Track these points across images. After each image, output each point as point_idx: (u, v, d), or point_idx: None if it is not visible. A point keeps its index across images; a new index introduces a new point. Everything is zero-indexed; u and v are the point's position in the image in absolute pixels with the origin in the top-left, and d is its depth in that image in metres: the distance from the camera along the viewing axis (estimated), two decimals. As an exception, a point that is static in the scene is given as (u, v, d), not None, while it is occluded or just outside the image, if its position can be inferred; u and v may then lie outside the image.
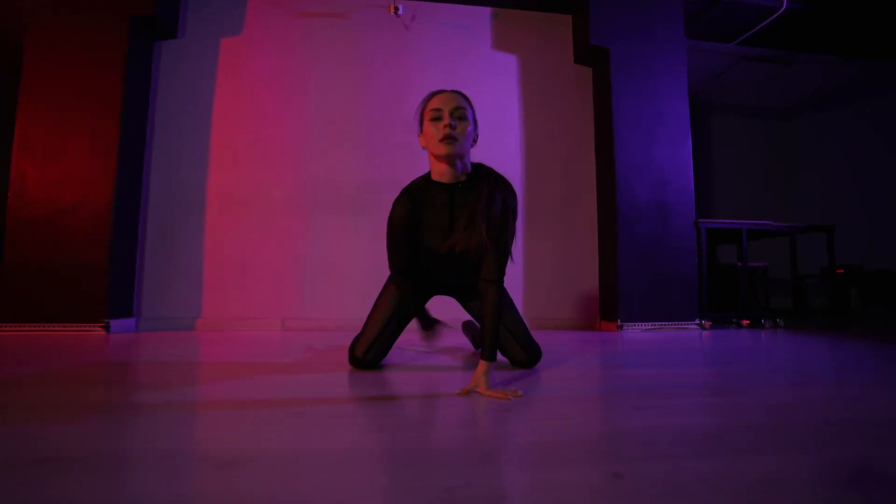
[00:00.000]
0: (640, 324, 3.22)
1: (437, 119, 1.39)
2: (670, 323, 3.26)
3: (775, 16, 3.62)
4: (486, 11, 3.58)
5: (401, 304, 1.59)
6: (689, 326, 3.27)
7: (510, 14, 3.60)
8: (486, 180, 1.42)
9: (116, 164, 2.89)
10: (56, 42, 2.92)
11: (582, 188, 3.57)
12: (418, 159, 3.36)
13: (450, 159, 1.41)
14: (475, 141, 1.48)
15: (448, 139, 1.36)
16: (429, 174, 1.50)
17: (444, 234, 1.45)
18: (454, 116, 1.39)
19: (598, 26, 3.36)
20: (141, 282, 3.13)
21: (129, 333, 2.88)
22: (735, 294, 3.58)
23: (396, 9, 3.37)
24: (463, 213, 1.41)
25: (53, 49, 2.92)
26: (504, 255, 1.40)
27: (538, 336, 2.97)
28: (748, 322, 3.40)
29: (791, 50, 4.22)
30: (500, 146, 3.50)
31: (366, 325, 1.63)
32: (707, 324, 3.29)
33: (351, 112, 3.39)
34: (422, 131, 1.44)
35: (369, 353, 1.59)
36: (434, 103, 1.41)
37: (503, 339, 1.63)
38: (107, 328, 2.81)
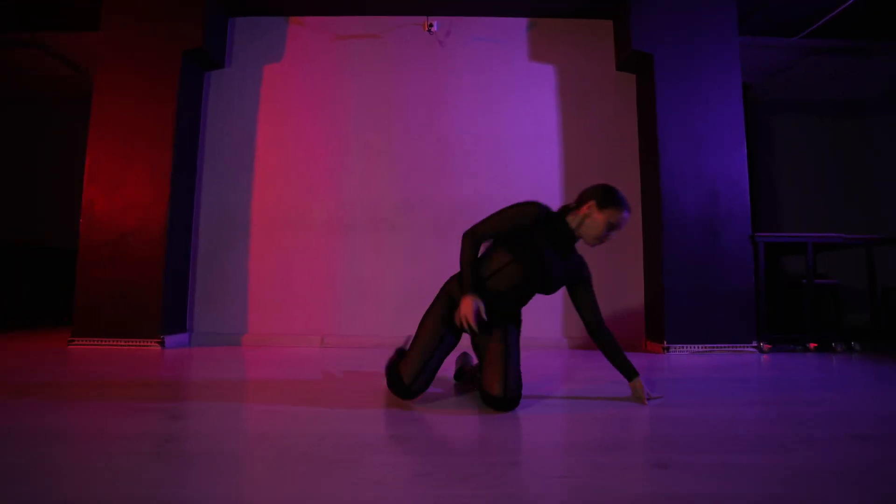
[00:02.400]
0: (688, 346, 3.01)
1: (610, 229, 1.58)
2: (723, 346, 3.02)
3: (844, 6, 3.28)
4: (522, 23, 3.50)
5: (448, 327, 1.64)
6: (746, 350, 3.02)
7: (547, 23, 3.50)
8: (577, 259, 1.71)
9: (170, 190, 3.10)
10: (118, 78, 3.18)
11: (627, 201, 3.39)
12: (451, 177, 3.35)
13: (581, 241, 1.75)
14: None
15: (597, 242, 1.62)
16: (565, 217, 1.64)
17: (537, 262, 1.63)
18: (615, 233, 1.62)
19: (641, 30, 3.20)
20: (193, 299, 3.33)
21: (183, 348, 3.07)
22: (801, 313, 3.27)
23: (430, 25, 3.38)
24: (561, 264, 1.66)
25: (117, 85, 3.18)
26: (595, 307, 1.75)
27: (576, 357, 2.86)
28: (816, 345, 3.08)
29: (868, 39, 3.81)
30: (538, 158, 3.41)
31: (412, 349, 1.64)
32: (766, 347, 3.02)
33: (386, 131, 3.43)
34: (600, 211, 1.57)
35: (417, 381, 1.59)
36: (619, 219, 1.58)
37: (487, 367, 1.59)
38: (162, 343, 3.01)
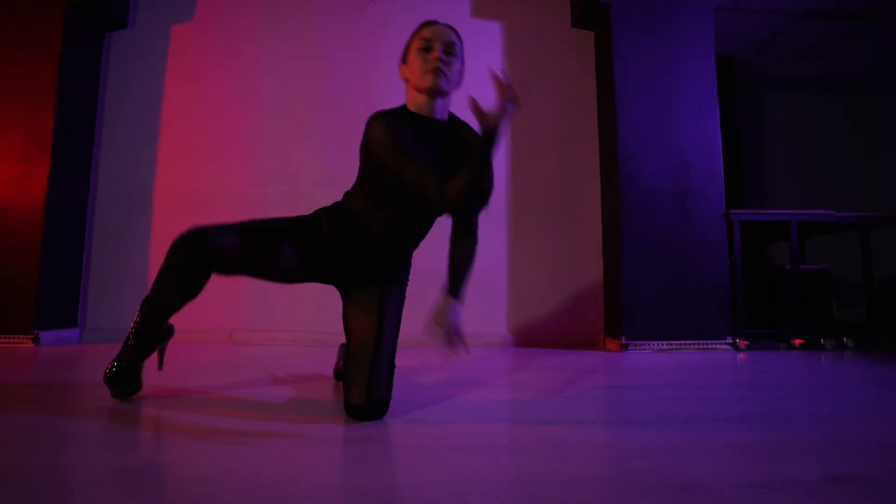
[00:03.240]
0: (651, 343, 2.56)
1: (426, 49, 1.24)
2: (693, 342, 2.57)
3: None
4: (464, -26, 3.08)
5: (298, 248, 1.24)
6: (719, 347, 2.57)
7: (494, -25, 3.07)
8: (466, 129, 1.36)
9: (50, 162, 2.67)
10: (-5, 34, 2.76)
11: (583, 176, 2.96)
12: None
13: (433, 93, 1.25)
14: (459, 85, 1.32)
15: (436, 71, 1.22)
16: (404, 106, 1.31)
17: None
18: (446, 52, 1.25)
19: (597, -23, 2.76)
20: (86, 291, 2.90)
21: (67, 346, 2.64)
22: (786, 305, 2.81)
23: (361, -22, 2.95)
24: (452, 156, 1.29)
25: (-8, 42, 2.76)
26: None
27: (519, 356, 2.42)
28: (802, 341, 2.63)
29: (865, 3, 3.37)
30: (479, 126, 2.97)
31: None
32: (743, 344, 2.56)
33: (308, 97, 3.01)
34: (405, 62, 1.31)
35: (220, 235, 1.16)
36: (425, 33, 1.26)
37: (351, 363, 1.16)
38: (36, 340, 2.58)
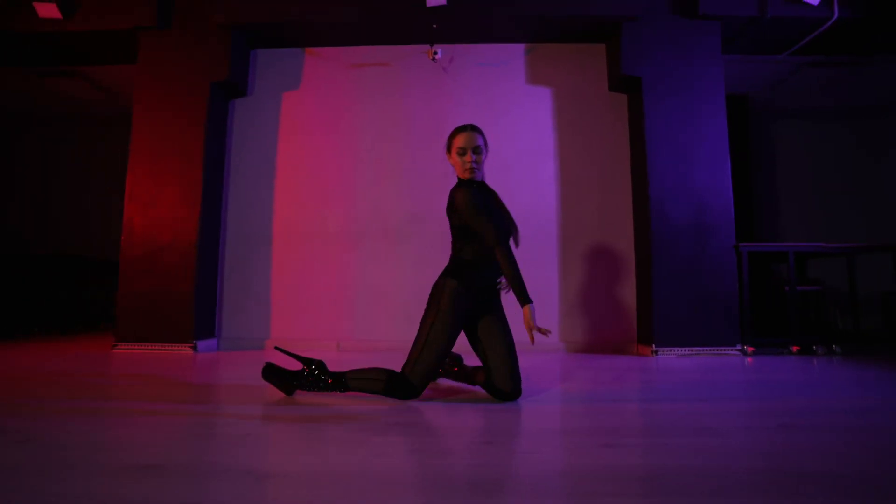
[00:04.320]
0: (676, 349, 3.23)
1: (461, 154, 1.85)
2: (709, 349, 3.23)
3: (826, 26, 3.47)
4: (520, 48, 3.77)
5: (456, 329, 1.79)
6: (730, 353, 3.23)
7: (544, 48, 3.76)
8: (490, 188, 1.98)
9: (200, 208, 3.43)
10: (154, 106, 3.53)
11: (619, 213, 3.63)
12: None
13: (473, 179, 1.90)
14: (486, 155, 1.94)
15: (471, 171, 1.86)
16: (469, 180, 1.90)
17: (503, 219, 1.91)
18: (475, 152, 1.85)
19: (630, 55, 3.44)
20: (221, 307, 3.66)
21: (213, 352, 3.39)
22: (786, 318, 3.46)
23: (435, 53, 3.66)
24: (503, 209, 1.95)
25: (153, 112, 3.53)
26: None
27: (573, 359, 3.10)
28: (798, 348, 3.27)
29: (852, 54, 3.99)
30: (535, 174, 3.67)
31: (424, 351, 1.74)
32: (749, 350, 3.22)
33: (395, 150, 3.72)
34: (449, 154, 1.90)
35: (426, 383, 1.78)
36: (459, 142, 1.86)
37: (493, 366, 1.80)
38: (195, 348, 3.33)
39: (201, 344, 3.40)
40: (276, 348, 2.04)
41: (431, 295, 1.84)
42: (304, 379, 1.84)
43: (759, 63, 4.34)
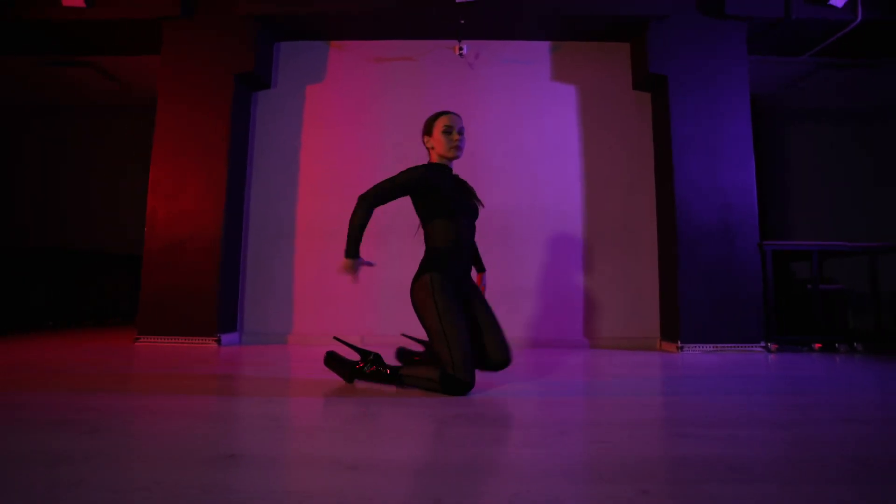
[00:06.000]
0: (701, 345, 3.25)
1: (447, 133, 1.92)
2: (734, 345, 3.26)
3: (849, 28, 3.51)
4: (545, 46, 3.78)
5: (461, 313, 1.80)
6: (754, 349, 3.26)
7: (569, 46, 3.77)
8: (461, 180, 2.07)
9: (225, 201, 3.40)
10: (178, 97, 3.49)
11: (644, 211, 3.65)
12: (481, 188, 3.62)
13: (451, 161, 1.98)
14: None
15: (458, 149, 1.94)
16: (431, 163, 1.99)
17: (463, 196, 1.97)
18: (460, 133, 1.95)
19: (656, 54, 3.45)
20: (243, 301, 3.63)
21: (235, 346, 3.36)
22: (808, 316, 3.50)
23: (461, 49, 3.65)
24: (465, 187, 2.02)
25: (176, 103, 3.49)
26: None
27: (599, 355, 3.12)
28: (820, 346, 3.31)
29: (872, 57, 4.04)
30: (560, 171, 3.67)
31: (452, 344, 1.72)
32: (773, 347, 3.25)
33: (420, 145, 3.71)
34: (430, 135, 1.96)
35: (471, 372, 1.75)
36: (446, 121, 1.94)
37: (485, 338, 1.86)
38: (219, 342, 3.31)
39: (224, 338, 3.37)
40: (335, 338, 2.10)
41: (417, 296, 1.86)
42: (362, 369, 1.85)
43: (774, 64, 4.38)
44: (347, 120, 3.75)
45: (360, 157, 3.72)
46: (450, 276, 1.87)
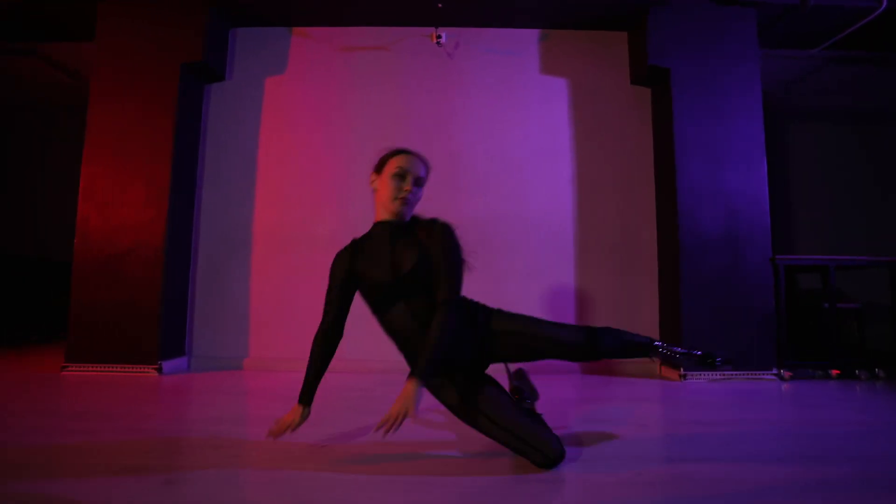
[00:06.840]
0: (705, 373, 2.90)
1: (399, 177, 1.47)
2: (742, 373, 2.91)
3: (873, 16, 3.15)
4: (533, 34, 3.39)
5: None
6: (765, 377, 2.91)
7: (560, 35, 3.38)
8: (421, 224, 1.53)
9: (167, 208, 2.98)
10: (115, 90, 3.06)
11: (642, 218, 3.29)
12: (463, 194, 3.24)
13: (398, 217, 1.50)
14: (416, 204, 1.56)
15: (404, 201, 1.47)
16: (375, 223, 1.55)
17: (387, 263, 1.47)
18: (415, 184, 1.49)
19: (657, 44, 3.08)
20: (192, 321, 3.22)
21: (181, 374, 2.96)
22: (821, 337, 3.15)
23: (439, 37, 3.26)
24: (403, 245, 1.48)
25: (113, 96, 3.06)
26: (454, 277, 1.49)
27: (589, 387, 2.74)
28: (838, 372, 2.97)
29: (889, 51, 3.70)
30: (549, 174, 3.30)
31: (520, 434, 1.37)
32: (787, 374, 2.90)
33: (392, 145, 3.31)
34: (379, 174, 1.52)
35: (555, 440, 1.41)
36: (400, 161, 1.49)
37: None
38: (159, 370, 2.90)
39: (168, 364, 2.96)
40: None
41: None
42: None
43: (783, 59, 4.03)
44: (311, 116, 3.34)
45: (326, 158, 3.31)
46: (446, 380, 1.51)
